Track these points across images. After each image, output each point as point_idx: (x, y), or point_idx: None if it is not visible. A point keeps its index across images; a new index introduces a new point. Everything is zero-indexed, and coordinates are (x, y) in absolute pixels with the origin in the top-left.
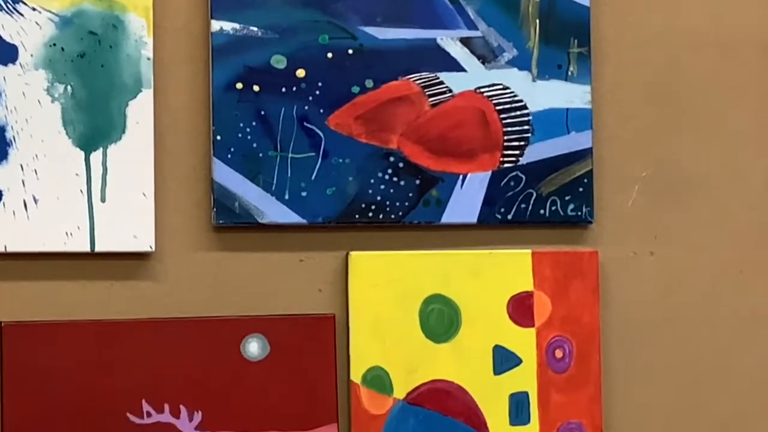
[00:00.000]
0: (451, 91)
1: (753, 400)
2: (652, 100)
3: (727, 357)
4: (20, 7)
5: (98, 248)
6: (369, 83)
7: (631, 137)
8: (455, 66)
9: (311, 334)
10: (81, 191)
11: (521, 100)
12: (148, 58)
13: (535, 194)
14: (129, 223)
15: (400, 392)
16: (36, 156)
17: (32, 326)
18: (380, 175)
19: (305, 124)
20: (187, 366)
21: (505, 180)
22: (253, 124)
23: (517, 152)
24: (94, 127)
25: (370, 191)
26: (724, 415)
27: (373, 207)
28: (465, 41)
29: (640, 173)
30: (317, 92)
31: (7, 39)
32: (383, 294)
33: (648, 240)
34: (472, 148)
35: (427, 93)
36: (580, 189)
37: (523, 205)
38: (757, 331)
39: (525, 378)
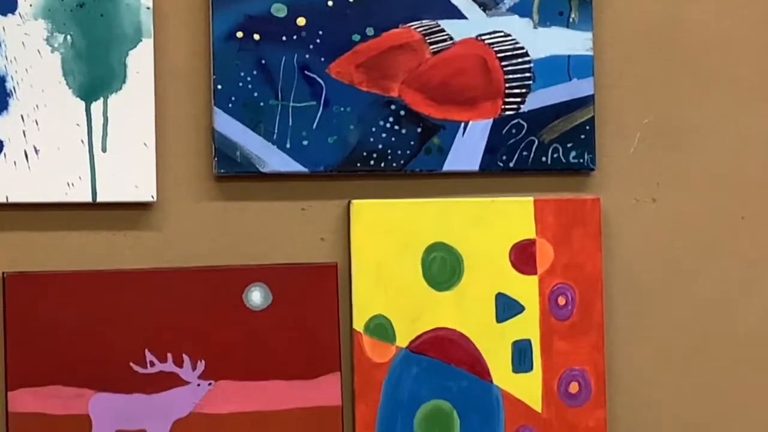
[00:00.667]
0: (452, 38)
1: (755, 346)
2: (654, 46)
3: (729, 303)
4: None
5: (100, 198)
6: (370, 31)
7: (633, 84)
8: (456, 13)
9: (314, 283)
10: (82, 141)
11: (522, 48)
12: (148, 8)
13: (536, 142)
14: (130, 173)
15: (402, 340)
16: (36, 106)
17: (34, 277)
18: (381, 123)
19: (306, 72)
20: (189, 315)
21: (507, 127)
22: (254, 73)
23: (519, 100)
24: (94, 76)
25: (372, 139)
26: (727, 361)
27: (374, 155)
28: None
29: (642, 120)
30: (318, 40)
31: None
32: (385, 242)
33: (650, 187)
34: (473, 95)
35: (428, 41)
36: (582, 136)
37: (524, 153)
38: (759, 277)
39: (528, 326)
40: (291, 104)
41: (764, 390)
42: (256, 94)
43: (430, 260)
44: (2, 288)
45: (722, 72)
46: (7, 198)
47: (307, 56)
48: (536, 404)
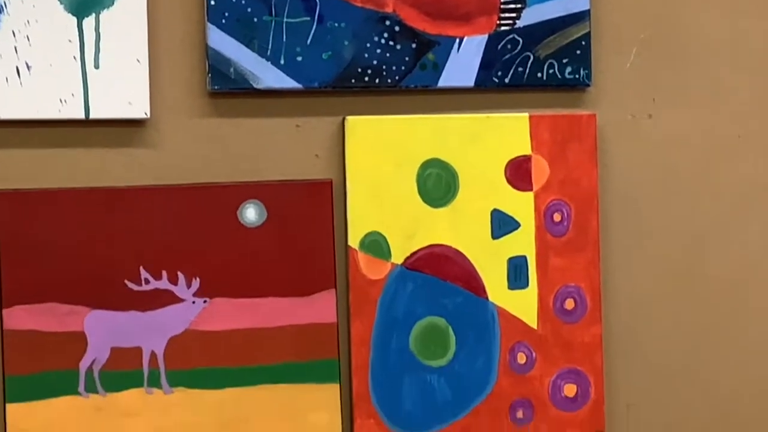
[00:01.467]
0: None
1: (750, 261)
2: None
3: (724, 220)
4: None
5: (93, 115)
6: None
7: None
8: None
9: (308, 199)
10: (74, 57)
11: None
12: None
13: (532, 57)
14: (123, 90)
15: (398, 257)
16: (28, 22)
17: (28, 194)
18: (376, 39)
19: None
20: (184, 233)
21: (502, 43)
22: None
23: (514, 15)
24: None
25: (366, 55)
26: (722, 276)
27: (369, 71)
28: None
29: (638, 35)
30: None
31: None
32: (380, 159)
33: (646, 103)
34: (468, 10)
35: None
36: (578, 51)
37: (520, 69)
38: (755, 194)
39: (523, 242)
40: (285, 20)
41: (759, 304)
42: (249, 10)
43: (425, 176)
44: None
45: None
46: None
47: None
48: (532, 321)
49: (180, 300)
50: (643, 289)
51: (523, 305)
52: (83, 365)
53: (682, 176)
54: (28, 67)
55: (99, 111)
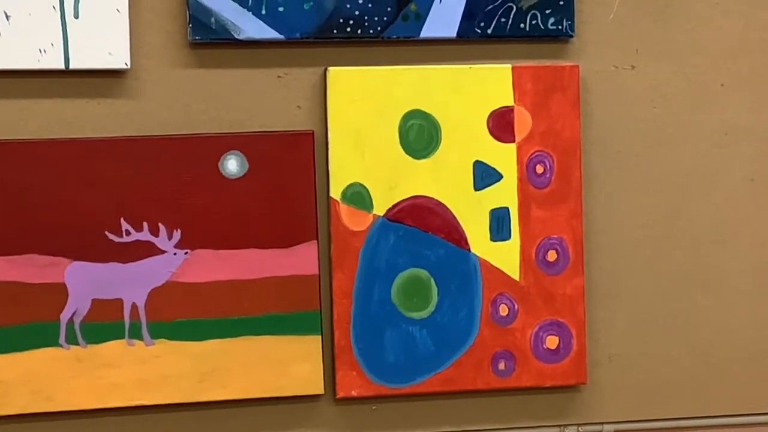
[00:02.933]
0: None
1: (731, 210)
2: None
3: (707, 169)
4: None
5: (72, 65)
6: None
7: None
8: None
9: (290, 150)
10: (54, 7)
11: None
12: None
13: (515, 8)
14: (103, 40)
15: (380, 208)
16: None
17: (7, 144)
18: None
19: None
20: (165, 184)
21: None
22: None
23: None
24: None
25: (348, 6)
26: (704, 224)
27: (351, 22)
28: None
29: None
30: None
31: None
32: (362, 110)
33: (629, 53)
34: None
35: None
36: (561, 2)
37: (503, 19)
38: (737, 143)
39: (506, 193)
40: None
41: (740, 253)
42: None
43: (407, 128)
44: None
45: None
46: None
47: None
48: (514, 272)
49: (161, 251)
50: (625, 241)
51: (505, 257)
52: (64, 317)
53: (664, 126)
54: (7, 17)
55: (78, 61)
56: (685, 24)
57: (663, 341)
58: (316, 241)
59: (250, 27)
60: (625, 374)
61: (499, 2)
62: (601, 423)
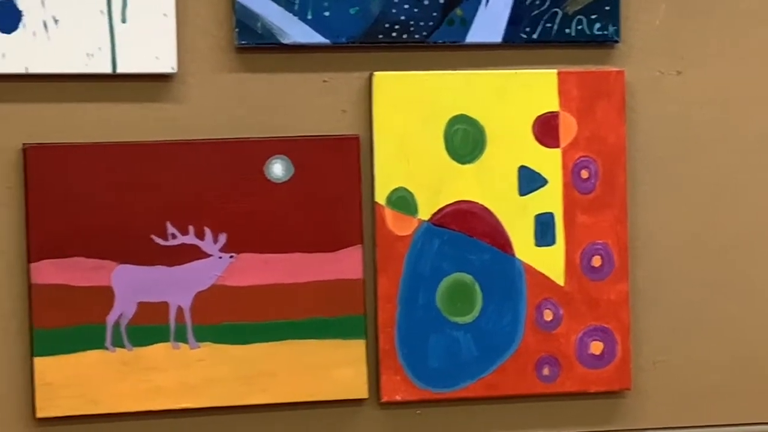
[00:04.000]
0: None
1: None
2: None
3: (753, 175)
4: None
5: (120, 69)
6: None
7: None
8: None
9: (335, 155)
10: (101, 11)
11: None
12: None
13: (561, 13)
14: (150, 44)
15: (424, 213)
16: None
17: (54, 148)
18: None
19: None
20: (211, 188)
21: None
22: None
23: None
24: None
25: (394, 10)
26: (749, 231)
27: (396, 27)
28: None
29: None
30: None
31: None
32: (407, 115)
33: (675, 59)
34: None
35: None
36: (607, 7)
37: (548, 25)
38: None
39: (550, 199)
40: None
41: None
42: None
43: (452, 132)
44: (23, 160)
45: None
46: (26, 69)
47: None
48: (559, 278)
49: (206, 255)
50: (670, 246)
51: (550, 262)
52: (110, 320)
53: (710, 132)
54: (56, 21)
55: (126, 65)
56: (731, 29)
57: (708, 347)
58: (361, 246)
59: (296, 31)
60: (669, 380)
61: (544, 7)
62: (646, 429)
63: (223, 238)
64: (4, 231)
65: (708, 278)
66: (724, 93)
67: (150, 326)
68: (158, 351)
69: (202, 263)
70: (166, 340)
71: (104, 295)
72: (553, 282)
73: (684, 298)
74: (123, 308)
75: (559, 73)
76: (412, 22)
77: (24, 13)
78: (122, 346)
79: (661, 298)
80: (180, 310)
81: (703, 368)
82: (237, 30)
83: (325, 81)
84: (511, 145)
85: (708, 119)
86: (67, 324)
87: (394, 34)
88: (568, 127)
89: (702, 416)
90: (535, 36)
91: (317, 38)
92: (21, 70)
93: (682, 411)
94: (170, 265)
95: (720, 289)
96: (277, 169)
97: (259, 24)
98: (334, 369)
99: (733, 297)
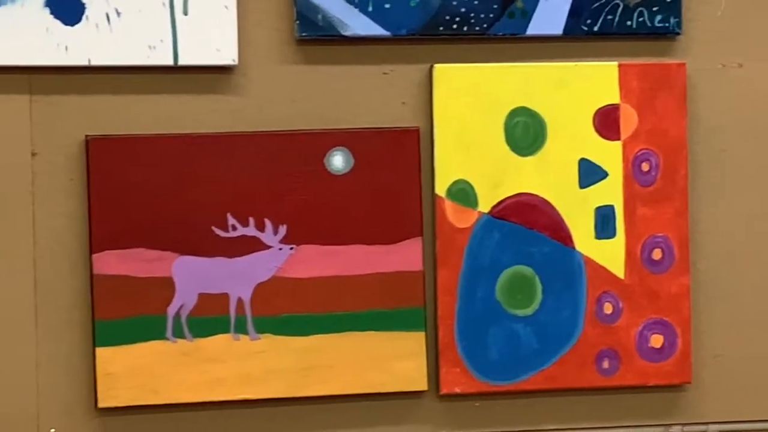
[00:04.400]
0: None
1: None
2: None
3: None
4: None
5: (181, 61)
6: None
7: None
8: None
9: (395, 147)
10: (163, 4)
11: None
12: None
13: (621, 5)
14: (212, 36)
15: (484, 205)
16: None
17: (117, 140)
18: None
19: None
20: (271, 180)
21: None
22: None
23: None
24: None
25: (455, 2)
26: None
27: (457, 19)
28: None
29: None
30: None
31: None
32: (468, 107)
33: (736, 51)
34: None
35: None
36: (668, 0)
37: (609, 17)
38: None
39: (611, 191)
40: None
41: None
42: None
43: (512, 125)
44: (85, 151)
45: None
46: (89, 61)
47: None
48: (619, 271)
49: (267, 247)
50: (731, 239)
51: (610, 255)
52: (171, 311)
53: None
54: (118, 14)
55: (187, 57)
56: None
57: None
58: (420, 238)
59: (357, 24)
60: (730, 374)
61: (605, 0)
62: (706, 423)
63: (283, 229)
64: (66, 222)
65: None
66: None
67: (210, 317)
68: (218, 342)
69: (263, 255)
70: (226, 331)
71: (165, 286)
72: (613, 275)
73: (745, 291)
74: (184, 299)
75: (620, 66)
76: (472, 15)
77: (87, 5)
78: (183, 337)
79: (721, 291)
80: (240, 301)
81: (764, 362)
82: (298, 22)
83: (385, 73)
84: (572, 137)
85: None
86: (128, 315)
87: (454, 27)
88: (629, 120)
89: (764, 411)
90: (596, 28)
91: (378, 30)
92: (84, 63)
93: (742, 405)
94: (230, 256)
95: None
96: (338, 161)
97: (319, 16)
98: (393, 361)
99: None
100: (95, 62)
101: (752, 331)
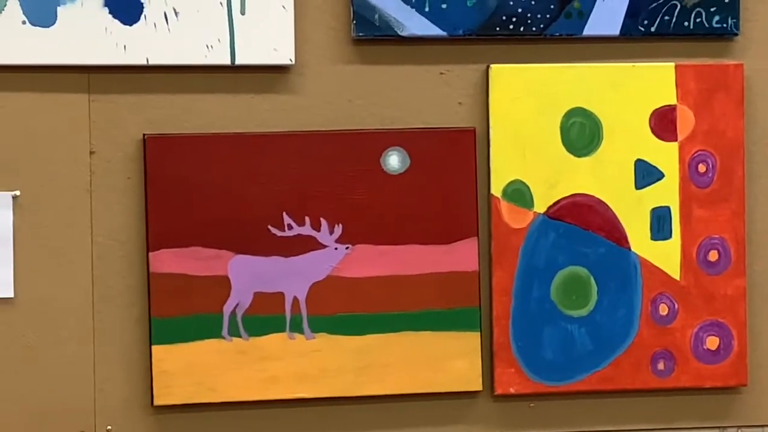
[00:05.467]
0: None
1: None
2: None
3: None
4: None
5: (238, 61)
6: None
7: None
8: None
9: (451, 147)
10: (221, 3)
11: None
12: None
13: (679, 6)
14: (269, 36)
15: (540, 206)
16: None
17: (174, 138)
18: None
19: None
20: (327, 179)
21: None
22: None
23: None
24: None
25: (511, 3)
26: None
27: (514, 19)
28: None
29: None
30: None
31: None
32: (524, 107)
33: None
34: None
35: None
36: (726, 0)
37: (666, 17)
38: None
39: (667, 192)
40: None
41: None
42: None
43: (568, 125)
44: (143, 149)
45: None
46: (147, 60)
47: None
48: (674, 272)
49: (322, 246)
50: None
51: (666, 256)
52: (227, 309)
53: None
54: (176, 13)
55: (244, 57)
56: None
57: None
58: (476, 238)
59: (414, 24)
60: None
61: (663, 0)
62: (763, 426)
63: (339, 229)
64: (123, 221)
65: None
66: None
67: (266, 316)
68: (274, 341)
69: (318, 254)
70: (281, 330)
71: (221, 285)
72: (668, 276)
73: None
74: (239, 298)
75: (676, 66)
76: (529, 15)
77: (145, 5)
78: (238, 335)
79: None
80: (296, 300)
81: None
82: (354, 22)
83: (441, 73)
84: (628, 138)
85: None
86: (184, 313)
87: (511, 27)
88: (686, 121)
89: None
90: (653, 29)
91: (435, 30)
92: (142, 62)
93: None
94: (286, 255)
95: None
96: (394, 160)
97: (376, 16)
98: (448, 361)
99: None
100: (153, 61)
101: None
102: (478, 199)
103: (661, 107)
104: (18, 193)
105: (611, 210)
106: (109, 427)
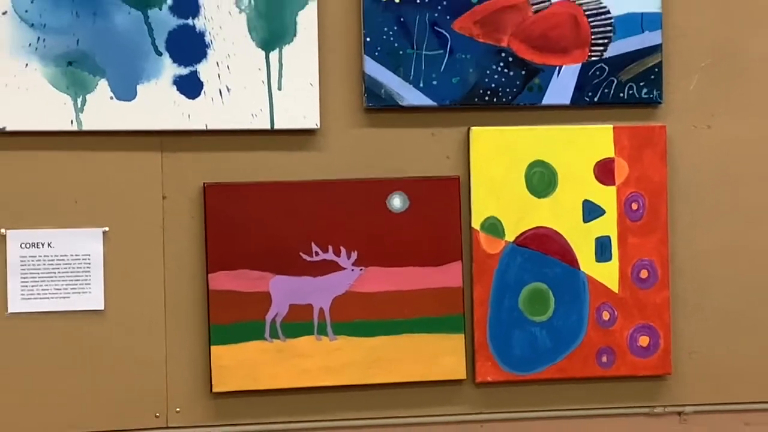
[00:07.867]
0: (549, 0)
1: None
2: (715, 3)
3: None
4: None
5: (276, 126)
6: None
7: (694, 34)
8: None
9: (441, 191)
10: (263, 82)
11: (605, 6)
12: None
13: (616, 81)
14: (300, 106)
15: (510, 236)
16: (228, 55)
17: (228, 186)
18: (494, 67)
19: (435, 27)
20: (345, 216)
21: (592, 70)
22: (395, 28)
23: (602, 48)
24: (272, 31)
25: (486, 80)
26: (766, 250)
27: (488, 92)
28: None
29: (699, 63)
30: (444, 2)
31: None
32: (497, 160)
33: (706, 116)
34: (566, 45)
35: (531, 2)
36: (652, 77)
37: (606, 90)
38: None
39: (608, 225)
40: (423, 52)
41: None
42: (396, 45)
43: (531, 174)
44: (203, 195)
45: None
46: (206, 125)
47: (436, 15)
48: (614, 286)
49: (342, 268)
50: (702, 263)
51: (607, 274)
52: (268, 317)
53: (735, 173)
54: (228, 90)
55: (281, 122)
56: (753, 92)
57: (733, 341)
58: (461, 261)
59: (411, 96)
60: (702, 367)
61: (603, 77)
62: (683, 405)
63: (354, 255)
64: (189, 249)
65: (733, 287)
66: (746, 142)
67: (298, 323)
68: (305, 342)
69: (339, 275)
70: (311, 333)
71: (264, 299)
72: (609, 290)
73: (714, 302)
74: (278, 309)
75: (614, 128)
76: (500, 89)
77: (204, 83)
78: (277, 338)
79: (695, 302)
80: (321, 310)
81: (729, 357)
82: (366, 95)
83: (433, 134)
84: (577, 183)
85: (733, 163)
86: (236, 320)
87: (486, 98)
88: (622, 170)
89: (729, 395)
90: (596, 99)
91: (427, 101)
92: (202, 127)
93: (712, 391)
94: (314, 275)
95: (742, 296)
96: (396, 202)
97: (382, 90)
98: (439, 357)
99: (753, 301)
100: (211, 126)
101: (720, 333)
102: (462, 231)
103: (603, 159)
104: (107, 228)
105: (565, 239)
106: (177, 409)
